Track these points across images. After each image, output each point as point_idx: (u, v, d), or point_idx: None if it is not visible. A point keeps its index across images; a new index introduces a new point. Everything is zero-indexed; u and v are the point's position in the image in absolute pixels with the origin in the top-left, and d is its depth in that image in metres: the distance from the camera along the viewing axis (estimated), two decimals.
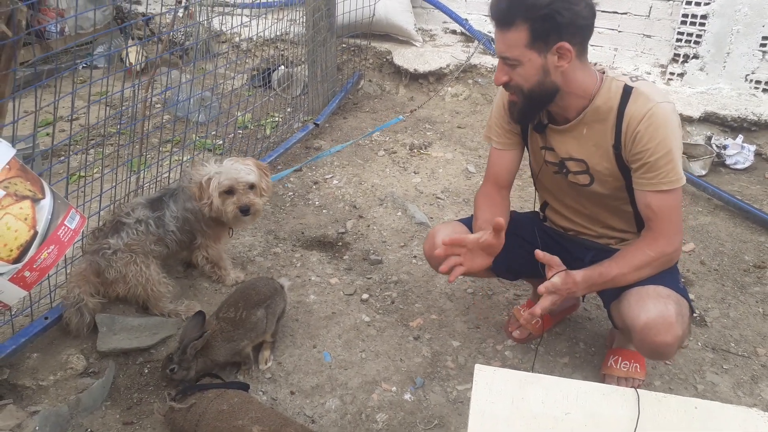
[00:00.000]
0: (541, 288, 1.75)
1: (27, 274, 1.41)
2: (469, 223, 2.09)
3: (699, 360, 2.22)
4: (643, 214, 1.76)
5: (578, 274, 1.74)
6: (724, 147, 3.61)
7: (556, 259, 1.80)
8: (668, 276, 1.79)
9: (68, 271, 2.29)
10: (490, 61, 4.46)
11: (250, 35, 3.87)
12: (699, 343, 2.29)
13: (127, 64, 3.96)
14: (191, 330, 1.99)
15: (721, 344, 2.29)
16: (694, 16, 3.90)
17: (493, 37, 4.45)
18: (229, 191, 2.28)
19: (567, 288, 1.73)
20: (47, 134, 3.06)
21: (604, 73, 1.77)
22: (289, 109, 4.16)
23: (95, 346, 2.15)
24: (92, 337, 2.18)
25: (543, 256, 1.78)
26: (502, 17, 1.64)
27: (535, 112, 1.82)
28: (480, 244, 1.78)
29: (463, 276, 2.50)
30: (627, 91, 1.70)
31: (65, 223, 1.44)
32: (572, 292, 1.77)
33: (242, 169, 2.30)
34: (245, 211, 2.30)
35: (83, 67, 4.17)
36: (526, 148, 2.04)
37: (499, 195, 2.03)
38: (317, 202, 3.23)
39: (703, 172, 3.48)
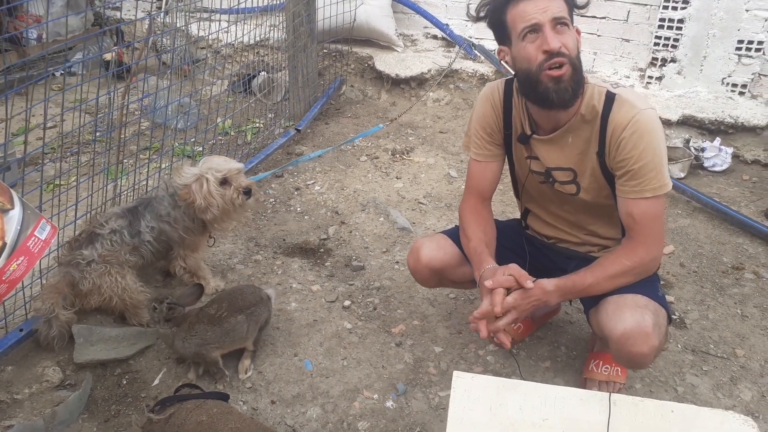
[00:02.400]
0: (497, 309, 1.70)
1: None
2: (453, 235, 2.07)
3: (679, 362, 2.23)
4: (625, 222, 1.76)
5: (550, 283, 1.72)
6: (702, 149, 3.65)
7: (519, 275, 1.73)
8: (647, 284, 1.79)
9: (43, 282, 2.25)
10: (471, 66, 4.48)
11: (230, 41, 3.85)
12: (679, 345, 2.31)
13: (108, 66, 3.91)
14: (184, 295, 2.09)
15: (700, 346, 2.31)
16: (671, 20, 3.94)
17: (476, 44, 4.47)
18: (224, 182, 2.29)
19: (531, 301, 1.70)
20: (23, 142, 3.01)
21: (586, 79, 1.76)
22: (270, 115, 4.14)
23: (72, 357, 2.12)
24: (69, 349, 2.15)
25: (492, 284, 1.73)
26: None
27: (580, 87, 1.69)
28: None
29: (446, 287, 2.52)
30: (610, 98, 1.70)
31: (35, 233, 1.42)
32: (543, 302, 1.73)
33: (227, 159, 2.35)
34: (248, 192, 2.32)
35: (60, 73, 4.11)
36: (506, 158, 2.03)
37: (483, 207, 2.02)
38: (299, 209, 3.21)
39: (682, 175, 3.51)
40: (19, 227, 1.37)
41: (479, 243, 1.88)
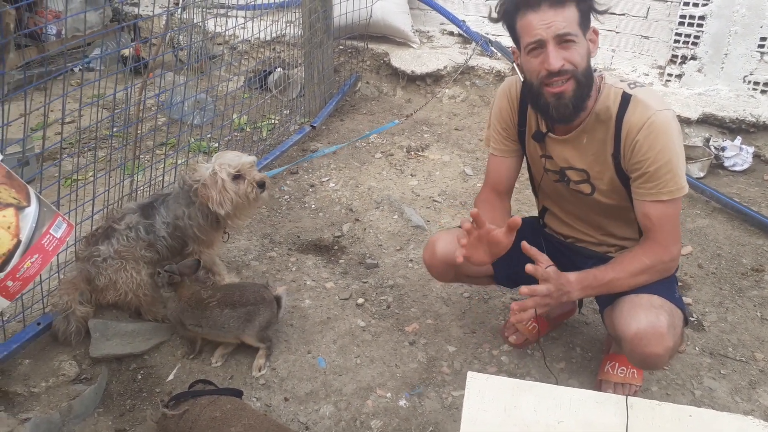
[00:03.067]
0: (527, 289, 1.67)
1: (9, 283, 1.39)
2: None
3: (696, 365, 2.20)
4: (642, 223, 1.74)
5: (572, 275, 1.71)
6: (723, 149, 3.59)
7: (543, 256, 1.73)
8: (664, 285, 1.77)
9: (60, 277, 2.27)
10: (488, 63, 4.45)
11: (247, 37, 3.85)
12: (696, 348, 2.27)
13: (126, 62, 3.94)
14: (184, 265, 2.18)
15: (718, 349, 2.28)
16: (691, 17, 3.88)
17: (493, 41, 4.44)
18: (238, 176, 2.29)
19: (560, 286, 1.67)
20: (41, 137, 3.05)
21: (602, 78, 1.74)
22: (285, 112, 4.15)
23: (88, 352, 2.14)
24: (85, 343, 2.17)
25: (529, 248, 1.69)
26: None
27: (584, 101, 1.68)
28: (490, 236, 1.70)
29: (461, 283, 2.50)
30: (626, 99, 1.68)
31: (50, 231, 1.43)
32: (566, 293, 1.70)
33: (239, 154, 2.36)
34: (262, 186, 2.32)
35: (78, 69, 4.15)
36: (524, 156, 2.01)
37: (499, 200, 2.01)
38: (313, 206, 3.21)
39: (701, 174, 3.46)
40: (34, 225, 1.38)
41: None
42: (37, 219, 1.38)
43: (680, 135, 1.67)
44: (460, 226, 1.86)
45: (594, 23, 1.68)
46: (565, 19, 1.57)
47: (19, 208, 1.37)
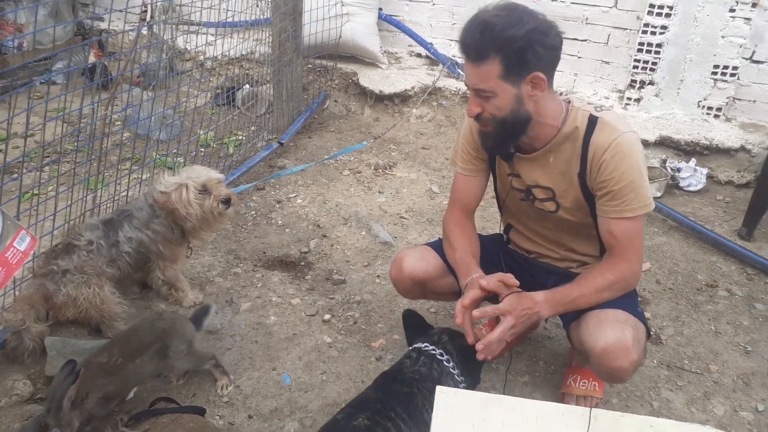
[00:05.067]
0: (478, 312, 1.71)
1: None
2: (436, 246, 2.09)
3: (654, 377, 2.26)
4: (605, 240, 1.79)
5: (539, 294, 1.73)
6: (678, 170, 3.72)
7: (507, 277, 1.74)
8: (627, 300, 1.82)
9: (16, 294, 2.21)
10: (455, 84, 4.53)
11: (215, 54, 3.85)
12: (654, 361, 2.33)
13: (91, 75, 3.88)
14: (62, 382, 1.69)
15: (675, 361, 2.34)
16: (649, 44, 4.04)
17: (460, 63, 4.53)
18: (204, 190, 2.28)
19: (525, 308, 1.69)
20: (1, 151, 2.97)
21: (569, 102, 1.80)
22: (253, 128, 4.14)
23: (44, 370, 2.07)
24: (41, 362, 2.10)
25: (487, 284, 1.74)
26: (473, 51, 1.63)
27: (509, 142, 1.80)
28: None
29: (428, 300, 2.52)
30: (592, 121, 1.74)
31: (14, 244, 1.40)
32: (535, 313, 1.72)
33: (208, 169, 2.35)
34: (227, 202, 2.30)
35: (41, 83, 4.07)
36: (491, 174, 2.06)
37: (467, 221, 2.04)
38: (280, 221, 3.20)
39: (659, 194, 3.58)
40: None
41: (465, 253, 1.90)
42: (0, 232, 1.34)
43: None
44: (426, 243, 1.91)
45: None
46: (482, 74, 1.64)
47: None
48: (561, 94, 1.83)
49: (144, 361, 1.93)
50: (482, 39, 1.60)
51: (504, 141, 1.79)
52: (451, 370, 1.75)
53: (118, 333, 2.05)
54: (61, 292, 2.13)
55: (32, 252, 1.49)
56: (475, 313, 1.72)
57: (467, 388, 1.79)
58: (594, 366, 1.79)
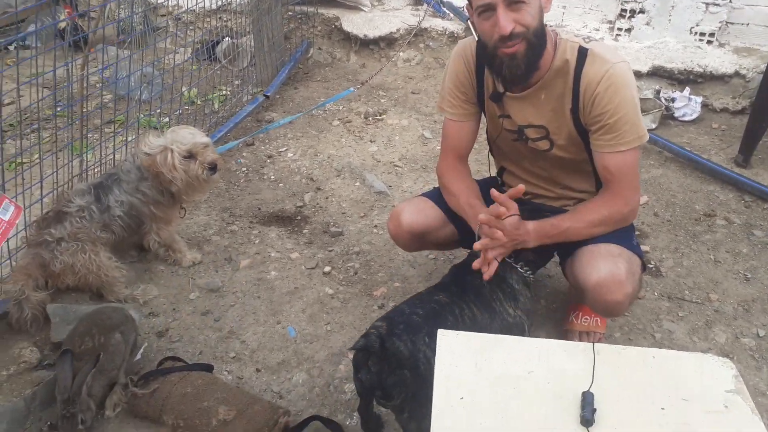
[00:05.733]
0: (485, 218, 1.66)
1: None
2: (433, 196, 2.06)
3: (656, 309, 2.28)
4: (601, 175, 1.77)
5: (530, 224, 1.72)
6: (672, 100, 3.67)
7: (512, 204, 1.68)
8: (622, 233, 1.81)
9: (12, 264, 2.19)
10: (441, 24, 4.40)
11: (191, 6, 3.70)
12: (655, 293, 2.36)
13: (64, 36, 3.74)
14: (65, 373, 1.75)
15: (676, 293, 2.36)
16: None
17: (445, 1, 4.38)
18: (189, 156, 2.23)
19: (517, 234, 1.67)
20: None
21: (557, 35, 1.74)
22: (237, 82, 4.03)
23: (49, 337, 2.07)
24: (45, 329, 2.10)
25: (498, 195, 1.65)
26: None
27: (536, 60, 1.68)
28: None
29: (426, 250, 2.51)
30: (582, 54, 1.68)
31: None
32: (523, 241, 1.71)
33: (194, 132, 2.28)
34: (213, 168, 2.26)
35: (14, 47, 3.93)
36: (482, 116, 2.01)
37: (462, 166, 2.00)
38: (273, 177, 3.16)
39: (654, 126, 3.54)
40: None
41: (469, 196, 1.87)
42: None
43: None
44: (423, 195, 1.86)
45: None
46: None
47: None
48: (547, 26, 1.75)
49: (119, 338, 1.91)
50: None
51: (533, 58, 1.67)
52: (513, 262, 1.80)
53: (83, 317, 1.98)
54: (57, 259, 2.11)
55: (17, 221, 1.45)
56: (482, 217, 1.66)
57: (531, 275, 1.85)
58: (589, 301, 1.80)
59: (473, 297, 1.73)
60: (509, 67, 1.69)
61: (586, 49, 1.69)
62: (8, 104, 3.30)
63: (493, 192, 1.66)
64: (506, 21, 1.59)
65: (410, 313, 1.62)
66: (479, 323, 1.69)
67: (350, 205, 2.93)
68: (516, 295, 1.80)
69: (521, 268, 1.82)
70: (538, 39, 1.65)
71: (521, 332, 1.77)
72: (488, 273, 1.69)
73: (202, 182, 2.28)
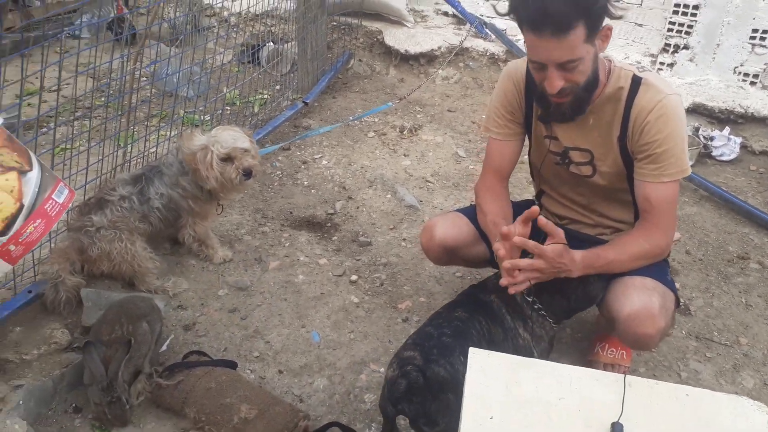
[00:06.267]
0: (519, 240, 1.60)
1: (12, 247, 1.37)
2: (468, 213, 2.07)
3: (683, 348, 2.25)
4: (640, 205, 1.76)
5: (577, 253, 1.68)
6: (711, 138, 3.64)
7: (559, 232, 1.65)
8: (656, 267, 1.80)
9: (52, 246, 2.24)
10: (482, 45, 4.43)
11: (239, 9, 3.79)
12: (683, 332, 2.33)
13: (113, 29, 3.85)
14: (96, 363, 1.80)
15: (704, 333, 2.33)
16: (686, 6, 3.90)
17: (487, 23, 4.41)
18: (227, 158, 2.26)
19: (560, 262, 1.64)
20: (28, 104, 2.98)
21: (611, 62, 1.75)
22: (277, 87, 4.10)
23: (80, 321, 2.12)
24: (77, 313, 2.15)
25: (546, 224, 1.63)
26: (558, 24, 1.48)
27: (587, 104, 1.71)
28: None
29: (455, 265, 2.52)
30: (636, 82, 1.69)
31: (53, 196, 1.40)
32: (567, 270, 1.67)
33: (236, 135, 2.30)
34: (248, 174, 2.28)
35: (66, 36, 4.05)
36: (526, 139, 2.01)
37: (500, 187, 2.00)
38: (306, 182, 3.20)
39: (690, 163, 3.49)
40: (37, 189, 1.36)
41: (496, 216, 1.87)
42: (39, 184, 1.35)
43: (685, 119, 1.69)
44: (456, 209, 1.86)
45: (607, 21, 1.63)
46: (569, 47, 1.53)
47: (22, 172, 1.34)
48: None
49: (145, 327, 1.94)
50: (566, 10, 1.47)
51: (583, 105, 1.70)
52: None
53: (111, 305, 2.03)
54: (95, 245, 2.16)
55: (70, 204, 1.49)
56: (517, 239, 1.62)
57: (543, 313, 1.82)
58: (620, 332, 1.78)
59: (485, 313, 1.77)
60: (555, 112, 1.75)
61: (640, 78, 1.69)
62: (54, 91, 3.39)
63: (541, 219, 1.63)
64: (556, 81, 1.60)
65: (439, 335, 1.63)
66: (495, 339, 1.72)
67: (380, 216, 2.95)
68: (524, 317, 1.80)
69: (529, 298, 1.79)
70: (587, 90, 1.66)
71: (530, 356, 1.76)
72: (515, 288, 1.65)
73: (236, 186, 2.31)
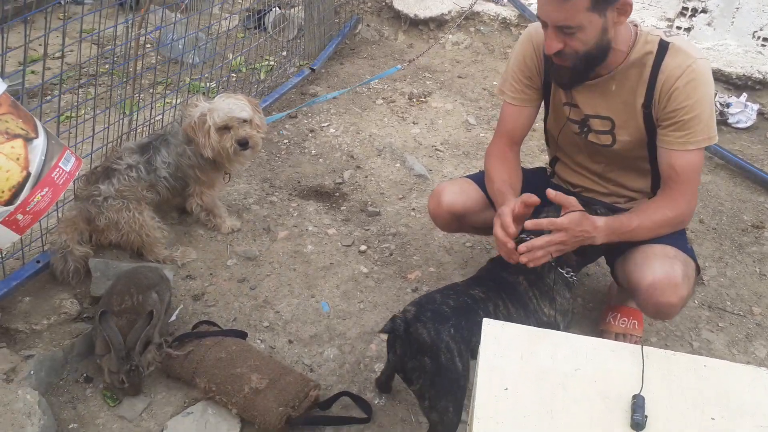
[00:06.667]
0: (531, 224, 1.58)
1: (20, 217, 1.35)
2: (477, 179, 2.03)
3: (695, 318, 2.23)
4: (665, 173, 1.70)
5: (600, 219, 1.63)
6: (728, 105, 3.55)
7: (572, 200, 1.62)
8: (676, 236, 1.76)
9: (59, 215, 2.23)
10: (494, 9, 4.32)
11: None
12: (696, 301, 2.30)
13: None
14: (113, 332, 1.79)
15: (717, 303, 2.31)
16: None
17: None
18: (225, 127, 2.22)
19: (581, 230, 1.59)
20: (32, 72, 2.93)
21: (636, 26, 1.69)
22: (283, 53, 4.02)
23: (89, 291, 2.11)
24: (85, 283, 2.14)
25: (556, 195, 1.60)
26: None
27: (587, 74, 1.70)
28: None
29: (465, 233, 2.49)
30: (663, 46, 1.63)
31: (60, 165, 1.37)
32: (591, 237, 1.62)
33: (236, 104, 2.24)
34: (244, 144, 2.23)
35: (69, 2, 3.97)
36: (544, 104, 1.96)
37: (511, 153, 1.96)
38: (313, 151, 3.15)
39: None
40: (43, 157, 1.33)
41: (503, 184, 1.83)
42: (46, 151, 1.32)
43: (713, 85, 1.64)
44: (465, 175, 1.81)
45: None
46: (569, 11, 1.52)
47: (28, 140, 1.31)
48: None
49: (155, 297, 1.93)
50: None
51: (582, 75, 1.69)
52: (552, 262, 1.73)
53: (120, 275, 2.02)
54: (103, 215, 2.14)
55: (77, 173, 1.47)
56: (528, 224, 1.60)
57: (574, 277, 1.80)
58: (641, 301, 1.75)
59: (508, 294, 1.71)
60: (555, 74, 1.75)
61: (668, 42, 1.63)
62: (58, 58, 3.33)
63: (550, 193, 1.61)
64: (552, 41, 1.60)
65: (441, 302, 1.62)
66: (513, 320, 1.66)
67: (389, 185, 2.92)
68: (553, 295, 1.76)
69: (564, 271, 1.77)
70: (588, 62, 1.63)
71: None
72: (529, 258, 1.59)
73: (232, 156, 2.27)
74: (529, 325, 1.68)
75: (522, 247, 1.60)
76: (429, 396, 1.56)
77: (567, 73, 1.68)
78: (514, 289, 1.73)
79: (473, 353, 1.56)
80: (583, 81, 1.73)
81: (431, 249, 2.52)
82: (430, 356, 1.51)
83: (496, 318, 1.64)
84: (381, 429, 1.79)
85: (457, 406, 1.55)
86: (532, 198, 1.63)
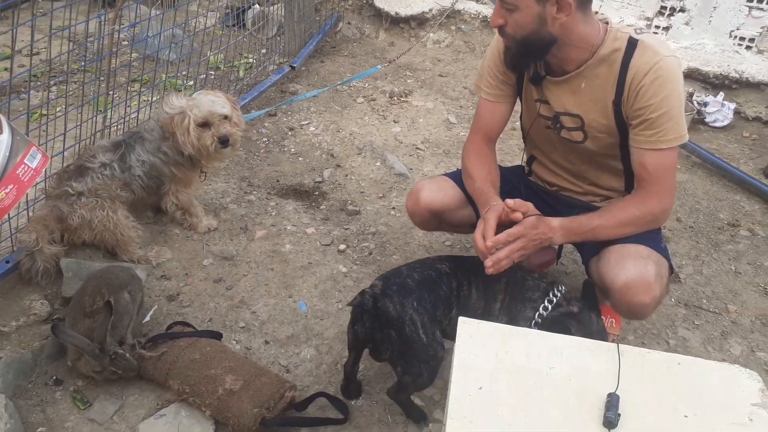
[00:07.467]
0: (492, 242, 1.61)
1: None
2: (455, 176, 2.03)
3: (672, 315, 2.24)
4: (636, 172, 1.71)
5: (555, 220, 1.66)
6: (705, 104, 3.59)
7: (528, 205, 1.66)
8: (650, 235, 1.76)
9: (30, 214, 2.18)
10: (474, 8, 4.32)
11: None
12: (672, 299, 2.32)
13: None
14: (76, 337, 1.75)
15: (693, 300, 2.32)
16: None
17: None
18: (205, 124, 2.18)
19: (537, 233, 1.62)
20: (5, 69, 2.87)
21: (608, 24, 1.69)
22: (263, 51, 3.98)
23: (60, 291, 2.07)
24: (57, 283, 2.10)
25: (513, 203, 1.64)
26: None
27: (527, 61, 1.74)
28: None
29: (444, 232, 2.49)
30: (632, 44, 1.63)
31: (25, 161, 1.34)
32: (548, 238, 1.65)
33: (216, 101, 2.21)
34: (224, 142, 2.21)
35: None
36: (518, 100, 1.96)
37: (487, 149, 1.96)
38: (293, 149, 3.12)
39: None
40: (8, 153, 1.29)
41: (484, 182, 1.83)
42: (10, 148, 1.28)
43: (683, 83, 1.63)
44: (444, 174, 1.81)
45: None
46: None
47: None
48: (596, 13, 1.69)
49: (127, 297, 1.89)
50: None
51: (523, 60, 1.73)
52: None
53: (90, 275, 1.97)
54: (76, 213, 2.10)
55: (44, 170, 1.43)
56: (489, 243, 1.62)
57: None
58: (614, 301, 1.76)
59: (476, 276, 1.72)
60: (504, 55, 1.77)
61: (637, 40, 1.63)
62: (34, 54, 3.27)
63: (508, 202, 1.66)
64: (495, 15, 1.65)
65: (406, 276, 1.66)
66: (470, 306, 1.70)
67: (369, 184, 2.90)
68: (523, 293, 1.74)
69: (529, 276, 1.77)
70: (527, 48, 1.66)
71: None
72: (495, 269, 1.62)
73: (212, 153, 2.24)
74: (483, 310, 1.70)
75: (488, 261, 1.63)
76: (401, 364, 1.64)
77: (509, 54, 1.73)
78: (491, 278, 1.72)
79: (441, 326, 1.64)
80: (523, 68, 1.79)
81: (411, 248, 2.51)
82: (396, 329, 1.58)
83: (456, 296, 1.68)
84: (357, 430, 1.77)
85: (430, 370, 1.61)
86: (516, 214, 1.64)
